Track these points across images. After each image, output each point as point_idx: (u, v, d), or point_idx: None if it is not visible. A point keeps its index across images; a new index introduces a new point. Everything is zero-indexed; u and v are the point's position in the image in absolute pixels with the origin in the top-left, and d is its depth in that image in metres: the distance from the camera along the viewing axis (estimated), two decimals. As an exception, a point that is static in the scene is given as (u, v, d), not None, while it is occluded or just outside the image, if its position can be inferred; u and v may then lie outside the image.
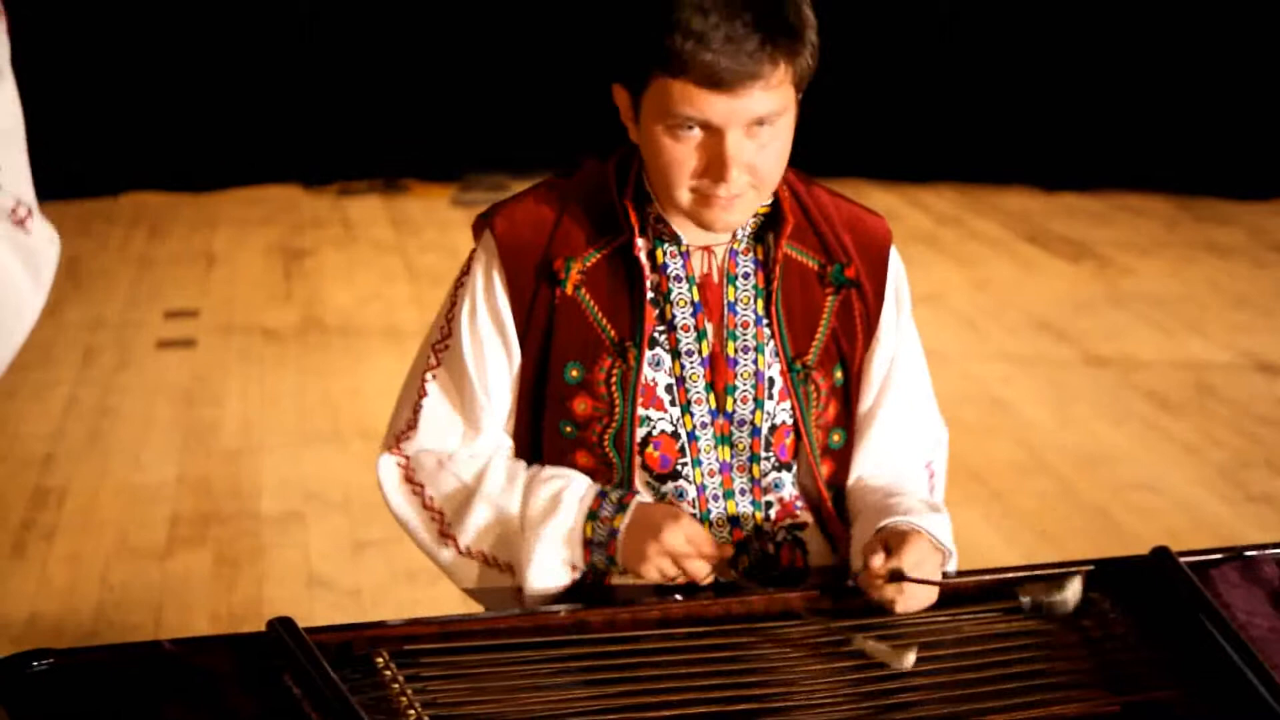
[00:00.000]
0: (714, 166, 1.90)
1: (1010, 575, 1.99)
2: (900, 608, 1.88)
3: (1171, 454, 4.83)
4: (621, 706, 1.73)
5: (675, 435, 2.03)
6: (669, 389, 2.03)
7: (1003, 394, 5.34)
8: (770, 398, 2.04)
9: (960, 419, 4.85)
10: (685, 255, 2.03)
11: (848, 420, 2.11)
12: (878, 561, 1.88)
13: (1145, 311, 6.27)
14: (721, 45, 1.83)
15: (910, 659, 1.79)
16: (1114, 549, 2.13)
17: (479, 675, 1.77)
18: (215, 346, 5.82)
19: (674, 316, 2.02)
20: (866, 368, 2.11)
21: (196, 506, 4.43)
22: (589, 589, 2.04)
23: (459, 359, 2.06)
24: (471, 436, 2.09)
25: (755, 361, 2.04)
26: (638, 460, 2.03)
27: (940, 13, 8.03)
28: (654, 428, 2.03)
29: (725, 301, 2.03)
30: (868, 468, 2.13)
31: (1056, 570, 1.94)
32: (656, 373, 2.02)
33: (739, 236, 2.04)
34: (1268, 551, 2.03)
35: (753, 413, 2.04)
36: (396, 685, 1.74)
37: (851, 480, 2.13)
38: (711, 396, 2.03)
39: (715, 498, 2.05)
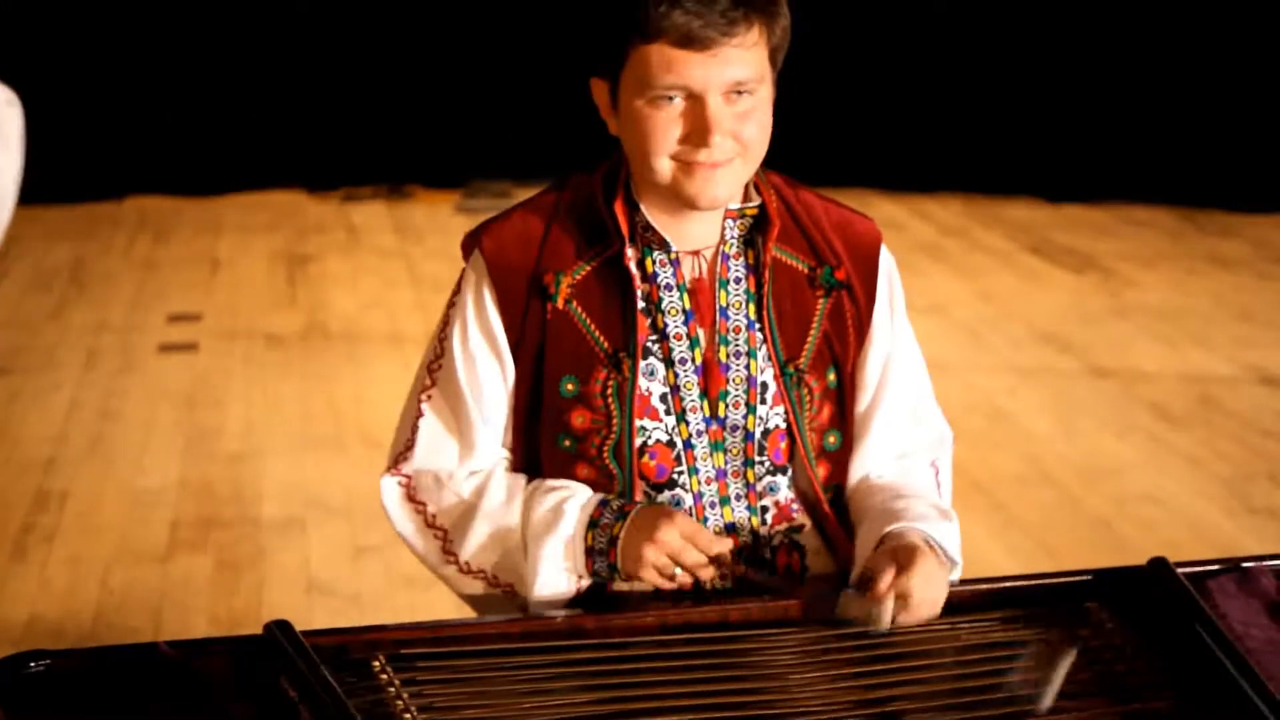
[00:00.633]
0: (696, 132, 1.92)
1: (1008, 585, 1.99)
2: (903, 620, 1.87)
3: (1174, 466, 4.82)
4: (618, 712, 1.73)
5: (671, 444, 2.03)
6: (664, 398, 2.03)
7: (1006, 405, 5.34)
8: (763, 402, 2.04)
9: (963, 430, 4.82)
10: (675, 263, 2.03)
11: (843, 422, 2.10)
12: (886, 581, 1.86)
13: (1149, 324, 6.26)
14: (694, 5, 1.88)
15: (887, 618, 1.80)
16: (1116, 561, 2.12)
17: (475, 680, 1.77)
18: (218, 351, 5.82)
19: (666, 325, 2.02)
20: (861, 368, 2.11)
21: (197, 511, 4.43)
22: (593, 596, 2.03)
23: (453, 379, 2.07)
24: (468, 456, 2.09)
25: (747, 366, 2.03)
26: (637, 470, 2.03)
27: (945, 24, 8.04)
28: (650, 437, 2.03)
29: (716, 307, 2.03)
30: (871, 467, 2.13)
31: (1051, 577, 1.94)
32: (651, 382, 2.02)
33: (728, 239, 2.04)
34: (1265, 563, 2.03)
35: (745, 418, 2.04)
36: (393, 689, 1.74)
37: (855, 480, 2.13)
38: (705, 404, 2.03)
39: (712, 505, 2.04)
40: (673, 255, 2.03)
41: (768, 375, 2.04)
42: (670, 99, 1.92)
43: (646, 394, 2.02)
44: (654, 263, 2.03)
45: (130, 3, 7.75)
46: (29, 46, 7.48)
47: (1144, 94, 7.93)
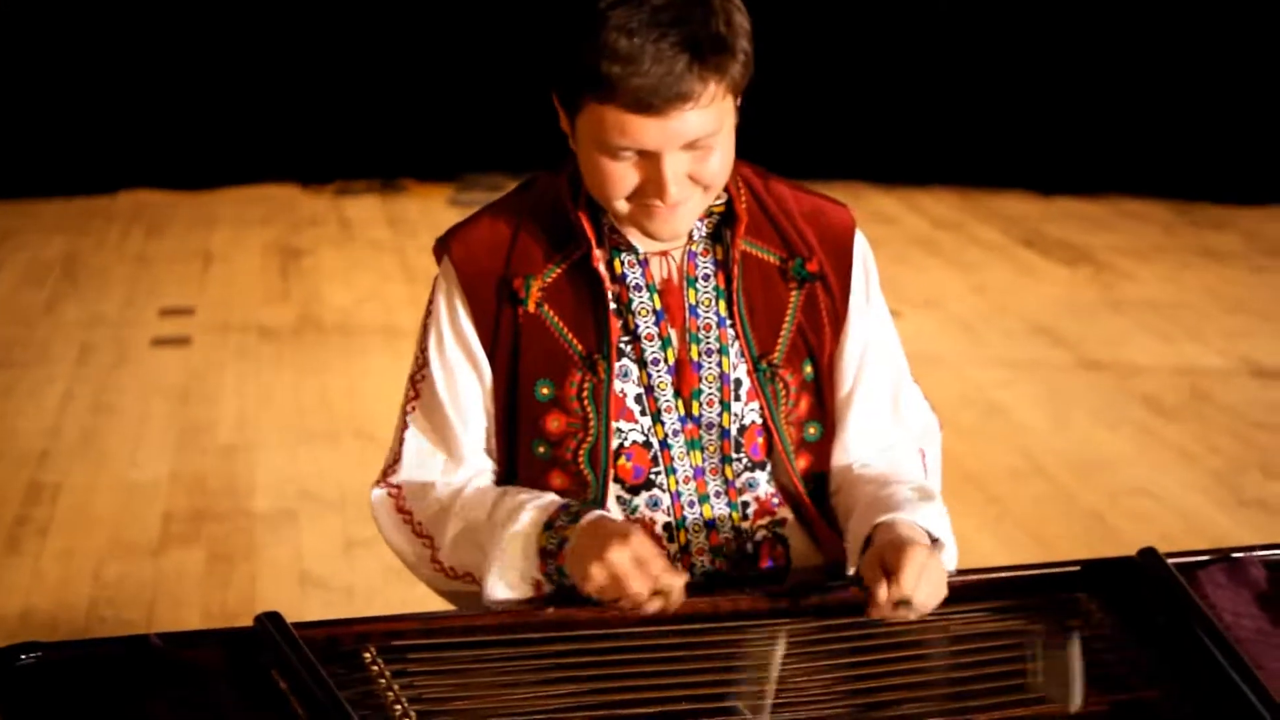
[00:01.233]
0: (653, 183, 1.88)
1: (998, 575, 2.00)
2: (912, 618, 1.85)
3: (1167, 459, 4.83)
4: (607, 703, 1.73)
5: (647, 445, 2.02)
6: (638, 399, 2.02)
7: (999, 398, 5.35)
8: (737, 399, 2.02)
9: (957, 423, 4.85)
10: (644, 263, 2.02)
11: (822, 413, 2.08)
12: (883, 594, 1.83)
13: (1142, 316, 6.27)
14: (650, 67, 1.80)
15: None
16: (1108, 553, 2.12)
17: (465, 671, 1.77)
18: (211, 344, 5.82)
19: (637, 326, 2.01)
20: (839, 356, 2.08)
21: (190, 504, 4.43)
22: (562, 598, 1.99)
23: (433, 390, 2.06)
24: (453, 466, 2.08)
25: (720, 364, 2.02)
26: (611, 474, 2.01)
27: (939, 16, 8.04)
28: (626, 439, 2.01)
29: (686, 305, 2.02)
30: (855, 455, 2.10)
31: (1047, 570, 1.94)
32: (625, 383, 2.01)
33: (695, 238, 2.03)
34: (1254, 553, 2.03)
35: (720, 415, 2.02)
36: (383, 680, 1.74)
37: (840, 467, 2.10)
38: (680, 403, 2.02)
39: (691, 503, 2.03)
40: (641, 256, 2.02)
41: (741, 371, 2.03)
42: (625, 150, 1.88)
43: (621, 395, 2.01)
44: (623, 264, 2.02)
45: (123, -4, 7.76)
46: (25, 42, 7.47)
47: (1137, 87, 7.93)
